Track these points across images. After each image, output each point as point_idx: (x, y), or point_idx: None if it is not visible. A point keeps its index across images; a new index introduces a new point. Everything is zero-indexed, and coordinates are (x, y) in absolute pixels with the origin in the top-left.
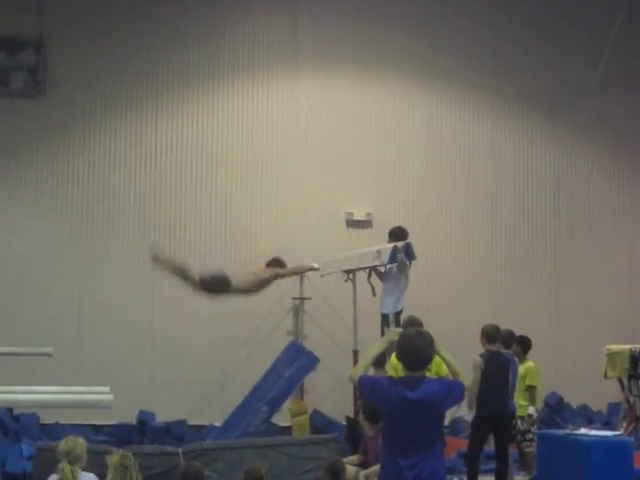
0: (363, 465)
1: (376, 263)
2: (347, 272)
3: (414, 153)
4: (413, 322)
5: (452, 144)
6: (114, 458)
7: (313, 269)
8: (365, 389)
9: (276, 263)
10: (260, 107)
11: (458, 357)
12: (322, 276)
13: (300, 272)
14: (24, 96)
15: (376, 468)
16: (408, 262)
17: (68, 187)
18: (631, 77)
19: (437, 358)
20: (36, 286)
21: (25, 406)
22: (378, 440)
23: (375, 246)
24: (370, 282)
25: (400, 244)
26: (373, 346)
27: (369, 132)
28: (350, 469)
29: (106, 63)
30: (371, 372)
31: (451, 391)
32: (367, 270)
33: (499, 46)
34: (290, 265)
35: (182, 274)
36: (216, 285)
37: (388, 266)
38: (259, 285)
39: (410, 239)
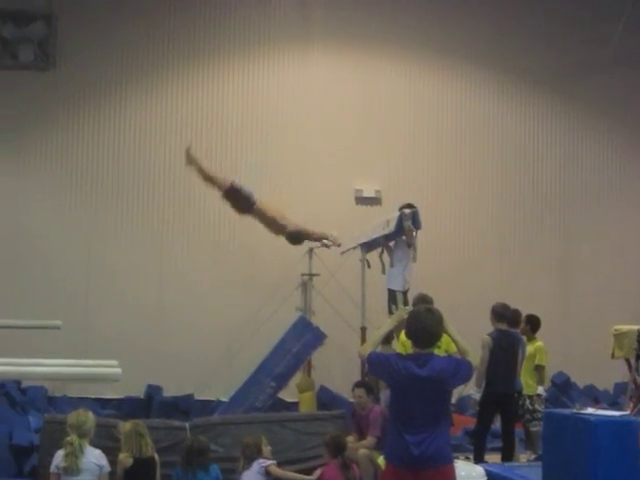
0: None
1: (385, 232)
2: (362, 247)
3: (423, 130)
4: (424, 299)
5: (461, 121)
6: (127, 427)
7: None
8: (374, 365)
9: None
10: (271, 82)
11: (464, 335)
12: (342, 253)
13: (320, 238)
14: (34, 69)
15: (370, 440)
16: (414, 230)
17: (77, 159)
18: None
19: (447, 336)
20: (44, 259)
21: (33, 379)
22: (369, 418)
23: None
24: (381, 259)
25: (407, 211)
26: (383, 323)
27: (379, 108)
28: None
29: (116, 36)
30: (378, 349)
31: (459, 369)
32: (380, 248)
33: (510, 24)
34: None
35: (209, 177)
36: (242, 197)
37: (397, 239)
38: (275, 226)
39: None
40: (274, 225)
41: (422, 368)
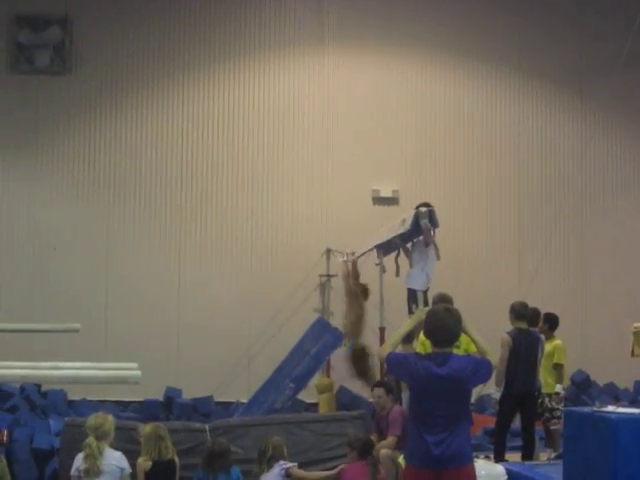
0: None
1: (401, 231)
2: (378, 249)
3: (440, 130)
4: (443, 299)
5: (478, 121)
6: (147, 429)
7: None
8: (393, 366)
9: None
10: (287, 85)
11: (484, 335)
12: (358, 257)
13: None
14: (50, 73)
15: (390, 440)
16: (431, 228)
17: (95, 164)
18: None
19: (466, 336)
20: (63, 263)
21: (53, 382)
22: (389, 418)
23: None
24: (397, 261)
25: (423, 209)
26: (402, 324)
27: (395, 109)
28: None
29: (132, 40)
30: (399, 348)
31: (478, 368)
32: (396, 250)
33: (526, 24)
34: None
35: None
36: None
37: (414, 240)
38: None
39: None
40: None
41: (441, 367)
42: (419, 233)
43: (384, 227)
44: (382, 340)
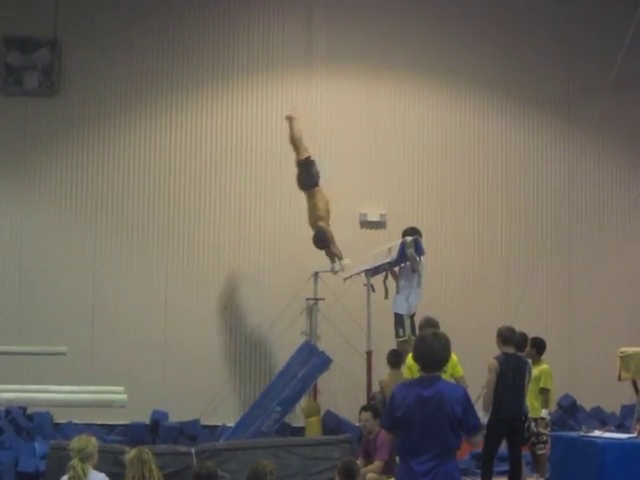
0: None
1: (387, 260)
2: (366, 272)
3: (428, 153)
4: (430, 323)
5: (466, 144)
6: (131, 453)
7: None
8: (388, 422)
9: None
10: (274, 107)
11: (471, 358)
12: (345, 279)
13: (334, 256)
14: (39, 95)
15: (377, 464)
16: (418, 257)
17: (82, 187)
18: None
19: (453, 360)
20: (50, 286)
21: (39, 405)
22: (377, 442)
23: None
24: (385, 284)
25: (409, 239)
26: None
27: (383, 132)
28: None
29: (121, 62)
30: (387, 372)
31: (467, 403)
32: (384, 272)
33: (512, 46)
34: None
35: (297, 139)
36: (310, 172)
37: (402, 265)
38: (312, 215)
39: (423, 239)
40: (312, 214)
41: (427, 389)
42: (406, 259)
43: (371, 253)
44: (369, 364)
